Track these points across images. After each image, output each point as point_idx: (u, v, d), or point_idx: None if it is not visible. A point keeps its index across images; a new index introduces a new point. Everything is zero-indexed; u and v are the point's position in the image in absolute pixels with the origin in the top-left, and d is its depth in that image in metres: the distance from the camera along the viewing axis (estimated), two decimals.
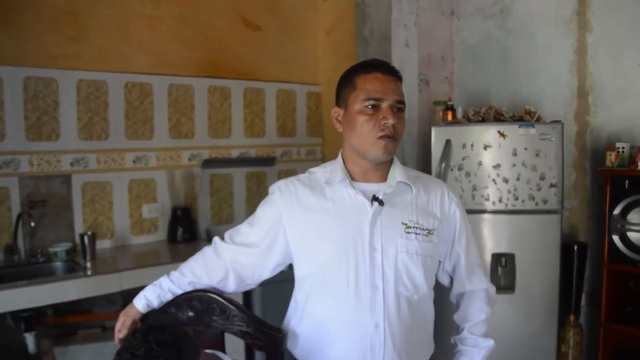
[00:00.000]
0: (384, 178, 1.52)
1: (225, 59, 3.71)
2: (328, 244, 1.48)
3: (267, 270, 1.58)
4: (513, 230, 2.83)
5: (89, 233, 2.97)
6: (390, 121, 1.43)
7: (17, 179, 2.96)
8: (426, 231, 1.50)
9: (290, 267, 1.62)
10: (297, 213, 1.52)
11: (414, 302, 1.49)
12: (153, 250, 3.27)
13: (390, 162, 1.54)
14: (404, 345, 1.47)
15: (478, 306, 1.64)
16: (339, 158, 1.56)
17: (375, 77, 1.47)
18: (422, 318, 1.55)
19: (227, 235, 1.61)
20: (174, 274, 1.61)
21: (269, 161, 3.92)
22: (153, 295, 1.59)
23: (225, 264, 1.58)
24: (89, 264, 2.90)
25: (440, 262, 1.61)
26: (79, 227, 3.16)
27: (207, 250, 1.62)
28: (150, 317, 1.61)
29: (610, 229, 2.74)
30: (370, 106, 1.44)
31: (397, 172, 1.52)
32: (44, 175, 3.04)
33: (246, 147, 3.84)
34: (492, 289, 1.68)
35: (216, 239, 1.61)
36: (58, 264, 2.97)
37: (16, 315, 2.80)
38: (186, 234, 3.41)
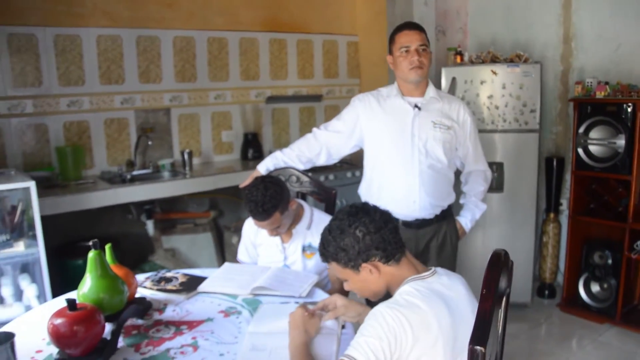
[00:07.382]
0: (422, 94, 2.38)
1: (283, 17, 4.46)
2: (387, 131, 2.37)
3: (347, 148, 2.47)
4: (502, 145, 3.57)
5: (188, 150, 3.90)
6: (416, 57, 2.27)
7: (133, 112, 3.86)
8: (446, 127, 2.35)
9: None
10: (369, 113, 2.40)
11: (437, 168, 2.36)
12: (231, 165, 4.16)
13: (426, 85, 2.39)
14: (432, 192, 2.36)
15: (479, 182, 2.54)
16: (395, 82, 2.41)
17: (404, 34, 2.32)
18: (444, 178, 2.41)
19: (322, 126, 2.49)
20: (285, 150, 2.50)
21: (317, 98, 4.73)
22: (270, 163, 2.50)
23: (320, 144, 2.46)
24: (188, 171, 3.84)
25: (456, 149, 2.44)
26: (176, 148, 4.06)
27: (308, 136, 2.50)
28: None
29: (576, 144, 3.43)
30: (403, 51, 2.31)
31: (430, 91, 2.38)
32: (151, 109, 3.93)
33: (299, 86, 4.65)
34: (489, 172, 2.57)
35: (314, 128, 2.50)
36: (165, 173, 3.87)
37: (139, 208, 3.80)
38: (255, 153, 4.30)
